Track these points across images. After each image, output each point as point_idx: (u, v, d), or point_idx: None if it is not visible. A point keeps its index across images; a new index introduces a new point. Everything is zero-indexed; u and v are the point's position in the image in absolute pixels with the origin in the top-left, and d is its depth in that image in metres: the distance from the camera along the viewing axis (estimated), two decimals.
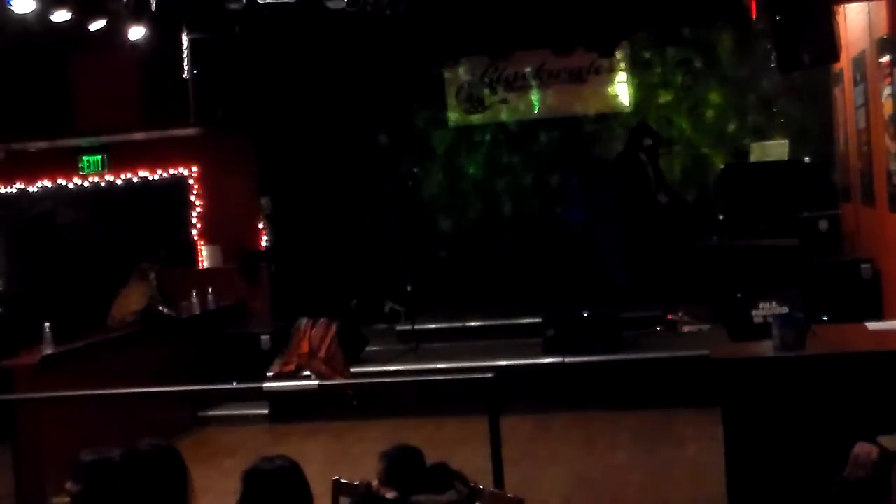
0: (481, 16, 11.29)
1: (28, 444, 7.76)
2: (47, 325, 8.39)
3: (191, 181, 11.79)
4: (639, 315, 10.37)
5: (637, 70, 12.10)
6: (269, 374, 9.90)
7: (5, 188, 12.05)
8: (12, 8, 7.69)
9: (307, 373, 9.76)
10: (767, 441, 5.19)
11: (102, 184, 11.90)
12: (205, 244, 11.75)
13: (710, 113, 11.96)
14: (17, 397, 7.75)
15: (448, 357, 9.91)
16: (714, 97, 11.94)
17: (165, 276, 10.57)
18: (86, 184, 11.93)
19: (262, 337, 10.48)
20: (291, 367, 9.90)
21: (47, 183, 11.97)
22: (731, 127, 11.88)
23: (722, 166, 11.13)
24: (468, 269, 12.27)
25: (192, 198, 11.77)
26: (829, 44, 7.70)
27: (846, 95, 9.74)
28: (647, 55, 12.05)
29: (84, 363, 8.46)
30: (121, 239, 11.65)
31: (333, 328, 10.07)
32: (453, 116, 12.54)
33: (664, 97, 12.06)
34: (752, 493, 5.22)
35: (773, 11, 7.80)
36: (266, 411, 9.89)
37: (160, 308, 9.83)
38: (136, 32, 8.93)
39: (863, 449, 3.13)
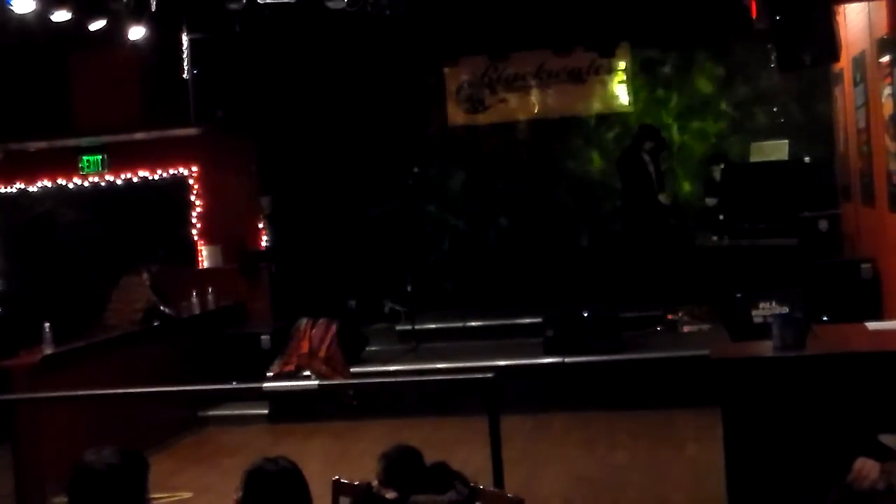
0: (481, 16, 11.31)
1: (28, 444, 7.75)
2: (47, 325, 8.39)
3: (191, 181, 11.79)
4: (639, 315, 10.38)
5: (637, 70, 12.11)
6: (269, 374, 9.90)
7: (5, 188, 12.05)
8: (12, 8, 7.70)
9: (307, 373, 9.76)
10: (767, 441, 5.18)
11: (102, 184, 11.90)
12: (205, 244, 11.74)
13: (709, 113, 11.96)
14: (17, 397, 7.75)
15: (448, 357, 9.90)
16: (714, 97, 11.94)
17: (165, 276, 10.58)
18: (86, 184, 11.93)
19: (262, 337, 10.47)
20: (291, 367, 9.90)
21: (47, 183, 11.96)
22: (731, 127, 11.89)
23: (721, 166, 11.13)
24: (468, 269, 12.27)
25: (192, 198, 11.76)
26: (829, 44, 7.70)
27: (846, 95, 9.74)
28: (646, 55, 12.05)
29: (84, 363, 8.45)
30: (121, 239, 11.65)
31: (333, 328, 10.07)
32: (453, 116, 12.54)
33: (664, 97, 12.06)
34: (752, 493, 5.21)
35: (773, 11, 7.79)
36: (266, 411, 9.89)
37: (162, 308, 9.85)
38: (136, 32, 8.94)
39: (863, 466, 3.10)
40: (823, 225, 9.91)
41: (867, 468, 3.07)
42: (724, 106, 11.90)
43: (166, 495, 7.39)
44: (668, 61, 12.01)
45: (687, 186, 11.94)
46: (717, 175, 11.14)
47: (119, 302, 9.76)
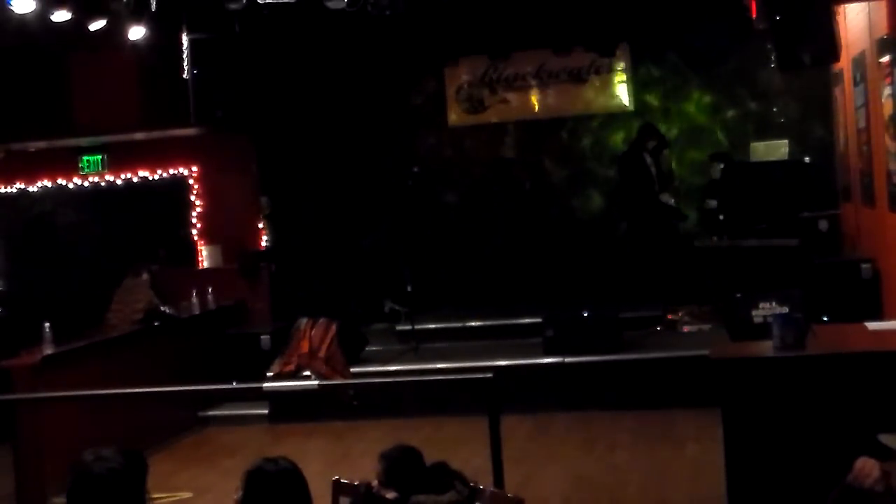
0: (481, 16, 11.32)
1: (28, 444, 7.76)
2: (47, 325, 8.39)
3: (191, 181, 11.78)
4: (639, 315, 10.37)
5: (637, 70, 12.11)
6: (269, 374, 9.90)
7: (5, 188, 12.05)
8: (12, 8, 7.70)
9: (307, 373, 9.76)
10: (767, 441, 5.19)
11: (102, 184, 11.89)
12: (205, 244, 11.74)
13: (709, 113, 11.97)
14: (17, 397, 7.76)
15: (448, 357, 9.90)
16: (714, 97, 11.94)
17: (165, 276, 10.58)
18: (86, 184, 11.92)
19: (262, 337, 10.47)
20: (291, 367, 9.90)
21: (47, 183, 11.96)
22: (731, 127, 11.89)
23: (721, 166, 11.13)
24: (468, 269, 12.27)
25: (192, 198, 11.76)
26: (829, 44, 7.70)
27: (846, 95, 9.74)
28: (646, 55, 12.05)
29: (84, 363, 8.46)
30: (121, 239, 11.65)
31: (333, 328, 10.07)
32: (453, 116, 12.54)
33: (664, 97, 12.06)
34: (752, 493, 5.22)
35: (773, 11, 7.80)
36: (266, 411, 9.89)
37: (162, 308, 9.85)
38: (136, 32, 8.94)
39: (865, 464, 3.10)
40: (823, 225, 9.90)
41: (868, 467, 3.07)
42: (723, 106, 11.90)
43: (166, 495, 7.39)
44: (668, 61, 12.00)
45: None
46: (716, 174, 11.15)
47: (120, 303, 9.76)
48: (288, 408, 9.74)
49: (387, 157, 12.45)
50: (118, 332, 9.40)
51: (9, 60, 10.92)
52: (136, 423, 8.19)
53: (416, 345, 10.44)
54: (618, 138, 12.06)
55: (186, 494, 7.58)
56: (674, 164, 11.85)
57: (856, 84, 9.05)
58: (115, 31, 8.78)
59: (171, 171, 11.80)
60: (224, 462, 8.37)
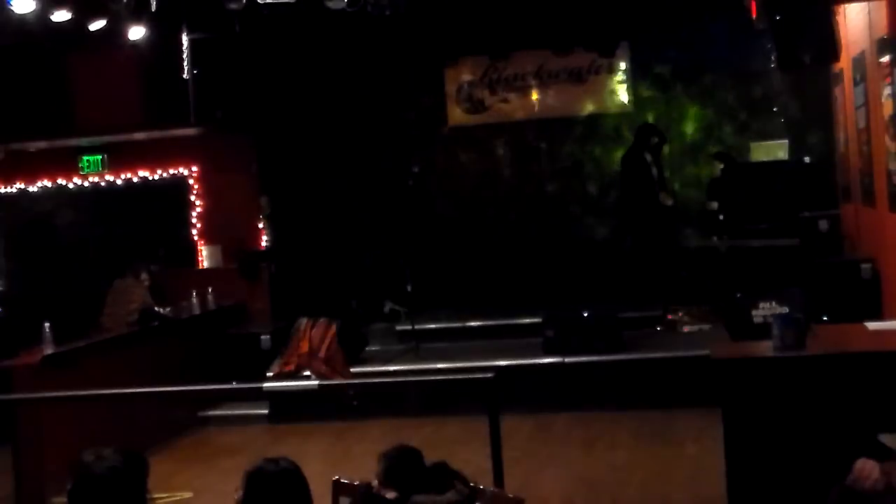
0: (481, 16, 11.33)
1: (28, 444, 7.76)
2: (47, 325, 8.38)
3: (191, 181, 11.79)
4: (639, 315, 10.37)
5: (636, 70, 12.11)
6: (269, 374, 9.90)
7: (5, 188, 12.05)
8: (12, 8, 7.71)
9: (307, 373, 9.76)
10: (767, 441, 5.18)
11: (102, 184, 11.90)
12: (205, 244, 11.75)
13: (709, 113, 11.96)
14: (17, 397, 7.75)
15: (448, 357, 9.90)
16: (714, 97, 11.94)
17: (165, 276, 10.57)
18: (86, 184, 11.93)
19: (262, 337, 10.47)
20: (291, 367, 9.90)
21: (47, 183, 11.97)
22: (731, 127, 11.89)
23: (721, 166, 11.14)
24: (468, 270, 12.26)
25: (192, 198, 11.77)
26: (829, 44, 7.70)
27: (846, 95, 9.74)
28: (646, 55, 12.05)
29: (84, 363, 8.45)
30: (121, 239, 11.65)
31: (333, 328, 10.07)
32: (453, 116, 12.54)
33: (663, 97, 12.05)
34: (752, 493, 5.21)
35: (773, 11, 7.79)
36: (266, 411, 9.89)
37: (157, 309, 9.83)
38: (136, 32, 8.96)
39: (865, 465, 3.10)
40: (823, 225, 9.90)
41: (868, 468, 3.07)
42: (723, 106, 11.90)
43: (166, 495, 7.38)
44: (668, 61, 11.99)
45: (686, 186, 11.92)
46: (717, 173, 11.14)
47: (114, 304, 9.73)
48: (288, 408, 9.74)
49: (387, 156, 12.44)
50: (118, 333, 9.39)
51: (9, 60, 10.92)
52: (136, 423, 8.19)
53: (417, 345, 10.43)
54: (618, 138, 12.05)
55: (186, 494, 7.58)
56: (669, 173, 11.84)
57: (856, 84, 9.04)
58: (115, 31, 8.80)
59: (171, 171, 11.81)
60: (224, 462, 8.37)
